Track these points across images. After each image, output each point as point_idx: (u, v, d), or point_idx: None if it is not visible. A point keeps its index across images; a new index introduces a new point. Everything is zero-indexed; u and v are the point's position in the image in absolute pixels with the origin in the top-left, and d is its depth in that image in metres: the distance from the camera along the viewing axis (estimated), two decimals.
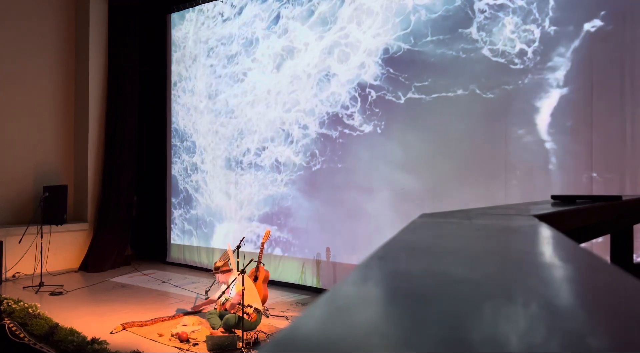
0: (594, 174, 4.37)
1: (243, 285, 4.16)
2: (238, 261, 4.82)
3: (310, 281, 6.25)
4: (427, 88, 5.39)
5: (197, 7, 7.96)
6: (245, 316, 4.18)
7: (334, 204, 6.11)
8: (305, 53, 6.47)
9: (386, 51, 5.72)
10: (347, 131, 6.04)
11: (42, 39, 7.80)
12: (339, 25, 6.16)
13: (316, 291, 6.07)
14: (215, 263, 4.92)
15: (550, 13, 4.64)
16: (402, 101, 5.57)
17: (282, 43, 6.73)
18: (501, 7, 4.93)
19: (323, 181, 6.23)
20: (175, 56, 8.28)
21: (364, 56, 5.90)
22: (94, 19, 7.94)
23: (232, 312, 4.43)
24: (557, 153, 4.59)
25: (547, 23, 4.67)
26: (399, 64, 5.61)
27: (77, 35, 8.09)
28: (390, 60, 5.68)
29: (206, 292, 5.54)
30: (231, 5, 7.44)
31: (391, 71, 5.66)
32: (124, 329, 4.55)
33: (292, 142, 6.58)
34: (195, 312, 5.01)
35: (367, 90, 5.85)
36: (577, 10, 4.50)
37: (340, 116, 6.10)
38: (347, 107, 6.04)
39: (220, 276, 4.81)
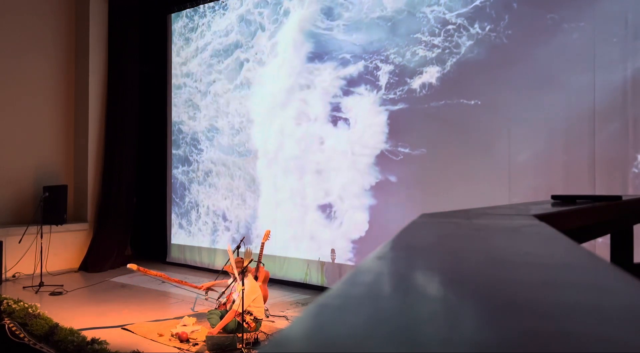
0: (595, 174, 4.37)
1: (243, 285, 4.15)
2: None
3: (315, 278, 6.24)
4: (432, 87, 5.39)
5: (197, 6, 7.95)
6: (244, 325, 4.17)
7: (343, 200, 6.12)
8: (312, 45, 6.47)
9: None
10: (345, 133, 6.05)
11: (42, 39, 7.80)
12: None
13: (321, 290, 6.05)
14: (231, 263, 4.56)
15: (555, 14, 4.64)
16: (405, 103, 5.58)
17: (284, 34, 6.71)
18: (504, 8, 4.94)
19: (330, 178, 6.24)
20: (175, 55, 8.28)
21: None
22: (94, 19, 7.94)
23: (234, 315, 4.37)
24: (558, 152, 4.58)
25: (545, 23, 4.67)
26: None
27: (77, 35, 8.09)
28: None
29: (206, 292, 5.52)
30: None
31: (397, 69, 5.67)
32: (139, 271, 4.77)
33: (293, 137, 6.58)
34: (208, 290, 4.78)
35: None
36: (582, 10, 4.50)
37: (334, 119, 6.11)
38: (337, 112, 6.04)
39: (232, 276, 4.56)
